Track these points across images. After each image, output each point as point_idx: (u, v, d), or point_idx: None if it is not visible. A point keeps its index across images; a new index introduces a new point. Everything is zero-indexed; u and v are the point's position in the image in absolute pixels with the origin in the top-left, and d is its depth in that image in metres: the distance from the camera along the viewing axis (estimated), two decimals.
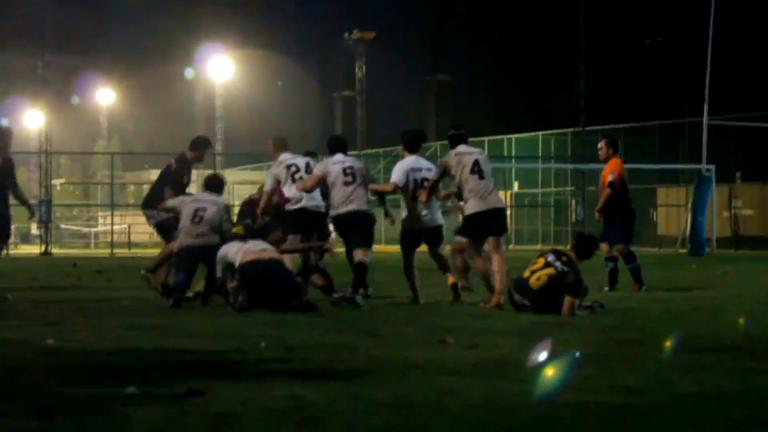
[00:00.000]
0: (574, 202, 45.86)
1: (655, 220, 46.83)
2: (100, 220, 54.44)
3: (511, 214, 42.93)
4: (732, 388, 6.36)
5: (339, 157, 13.36)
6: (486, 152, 13.98)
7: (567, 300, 11.18)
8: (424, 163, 13.52)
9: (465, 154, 12.73)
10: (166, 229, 14.36)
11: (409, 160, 13.40)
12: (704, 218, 33.82)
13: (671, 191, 44.98)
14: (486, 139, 53.43)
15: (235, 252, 12.33)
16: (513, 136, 53.13)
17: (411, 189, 13.17)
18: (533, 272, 11.40)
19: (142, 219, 15.16)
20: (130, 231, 48.09)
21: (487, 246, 12.87)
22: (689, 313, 11.54)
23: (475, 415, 5.52)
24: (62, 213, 60.38)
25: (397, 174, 13.27)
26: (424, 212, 13.22)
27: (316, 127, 68.15)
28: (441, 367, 7.21)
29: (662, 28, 59.19)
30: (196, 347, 8.55)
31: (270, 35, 72.78)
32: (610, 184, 15.17)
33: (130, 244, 44.81)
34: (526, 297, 11.38)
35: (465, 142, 12.97)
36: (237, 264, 12.21)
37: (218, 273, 12.58)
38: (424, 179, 13.21)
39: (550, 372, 5.95)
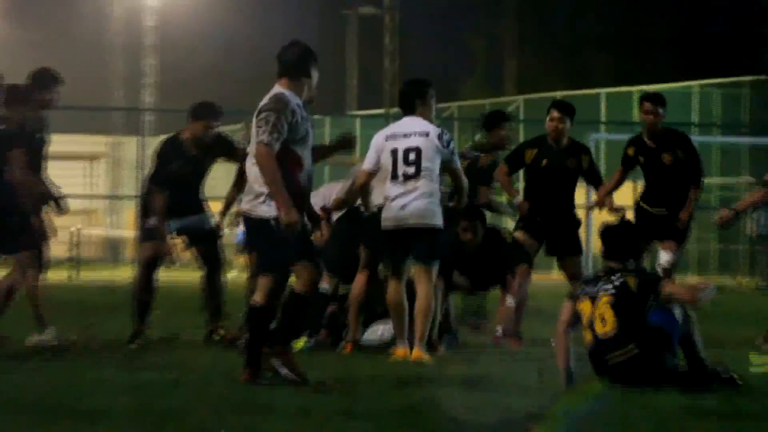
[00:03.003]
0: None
1: None
2: None
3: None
4: None
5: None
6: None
7: (670, 288, 11.67)
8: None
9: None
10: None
11: None
12: None
13: None
14: (603, 91, 52.95)
15: None
16: (648, 87, 52.54)
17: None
18: (591, 324, 11.77)
19: None
20: None
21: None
22: None
23: None
24: None
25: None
26: None
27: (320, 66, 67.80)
28: None
29: None
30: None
31: None
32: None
33: None
34: (615, 358, 11.63)
35: None
36: None
37: None
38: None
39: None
